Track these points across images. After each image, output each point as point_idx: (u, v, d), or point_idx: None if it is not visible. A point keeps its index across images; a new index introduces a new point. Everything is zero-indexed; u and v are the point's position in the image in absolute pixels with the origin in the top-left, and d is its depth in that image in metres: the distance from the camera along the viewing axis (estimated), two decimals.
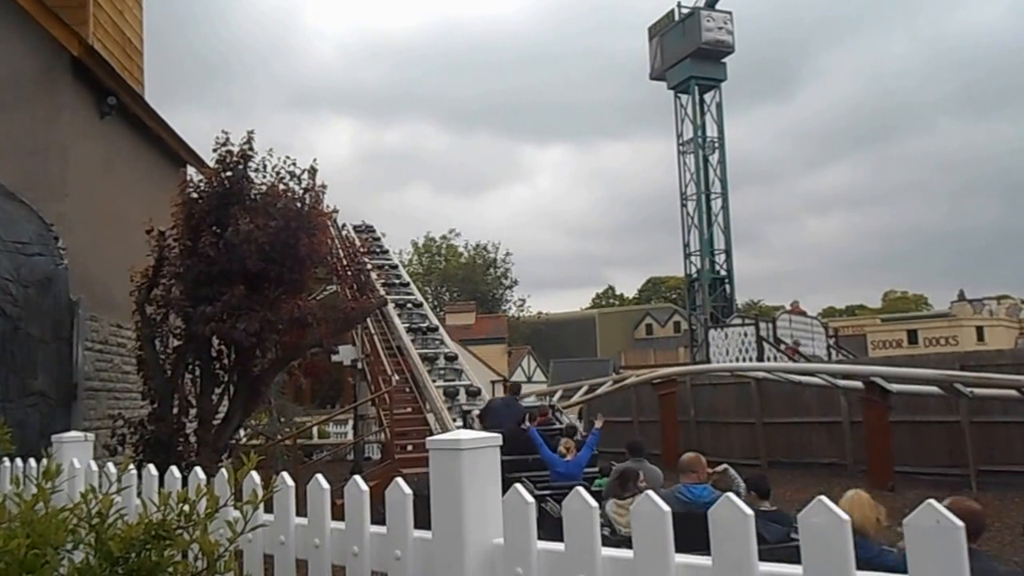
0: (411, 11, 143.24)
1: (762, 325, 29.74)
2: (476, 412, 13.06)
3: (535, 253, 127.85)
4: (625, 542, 4.62)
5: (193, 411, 9.10)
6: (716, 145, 41.00)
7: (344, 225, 23.16)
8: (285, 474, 2.51)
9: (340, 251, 15.29)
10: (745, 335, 29.77)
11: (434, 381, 16.16)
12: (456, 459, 1.94)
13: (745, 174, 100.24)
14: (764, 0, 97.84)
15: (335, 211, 10.65)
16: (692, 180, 40.92)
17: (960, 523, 1.30)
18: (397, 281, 21.59)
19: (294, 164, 9.56)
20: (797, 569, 1.45)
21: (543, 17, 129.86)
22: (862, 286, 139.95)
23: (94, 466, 3.28)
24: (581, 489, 1.82)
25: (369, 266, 14.65)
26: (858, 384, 15.45)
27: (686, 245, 41.11)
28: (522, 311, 65.04)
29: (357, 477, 2.38)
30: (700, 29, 39.84)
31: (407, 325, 18.62)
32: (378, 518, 2.22)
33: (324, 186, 9.65)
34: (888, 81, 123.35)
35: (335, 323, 10.19)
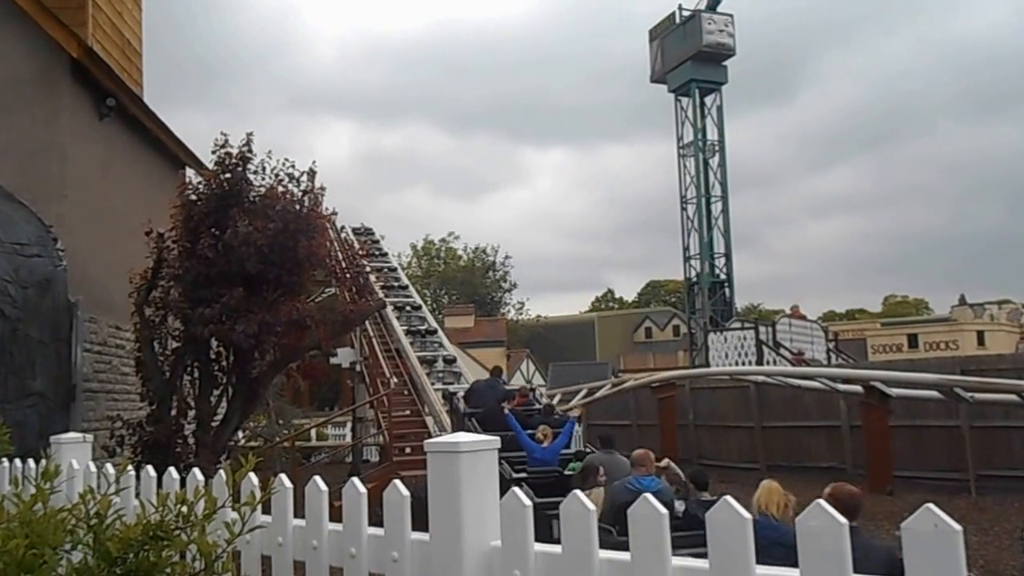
0: (411, 13, 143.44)
1: (762, 329, 29.76)
2: (461, 393, 13.58)
3: (534, 256, 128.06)
4: None
5: (192, 413, 9.10)
6: (716, 148, 41.01)
7: (343, 227, 23.17)
8: (283, 476, 2.51)
9: (339, 253, 15.29)
10: (744, 339, 29.77)
11: (432, 384, 16.15)
12: (454, 462, 1.94)
13: (745, 177, 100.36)
14: (765, 3, 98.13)
15: (334, 213, 10.66)
16: (692, 183, 40.93)
17: (958, 527, 1.31)
18: (396, 284, 21.60)
19: (293, 166, 9.58)
20: (793, 572, 1.45)
21: (543, 20, 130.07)
22: (862, 290, 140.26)
23: (92, 467, 3.28)
24: (579, 492, 1.82)
25: (368, 269, 14.66)
26: (858, 388, 15.45)
27: (686, 248, 41.11)
28: (521, 314, 65.14)
29: (355, 479, 2.38)
30: (701, 32, 39.85)
31: (406, 328, 18.63)
32: (376, 520, 2.22)
33: (323, 188, 9.66)
34: (890, 84, 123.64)
35: (334, 325, 10.19)
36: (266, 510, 2.47)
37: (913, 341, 40.71)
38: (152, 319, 9.06)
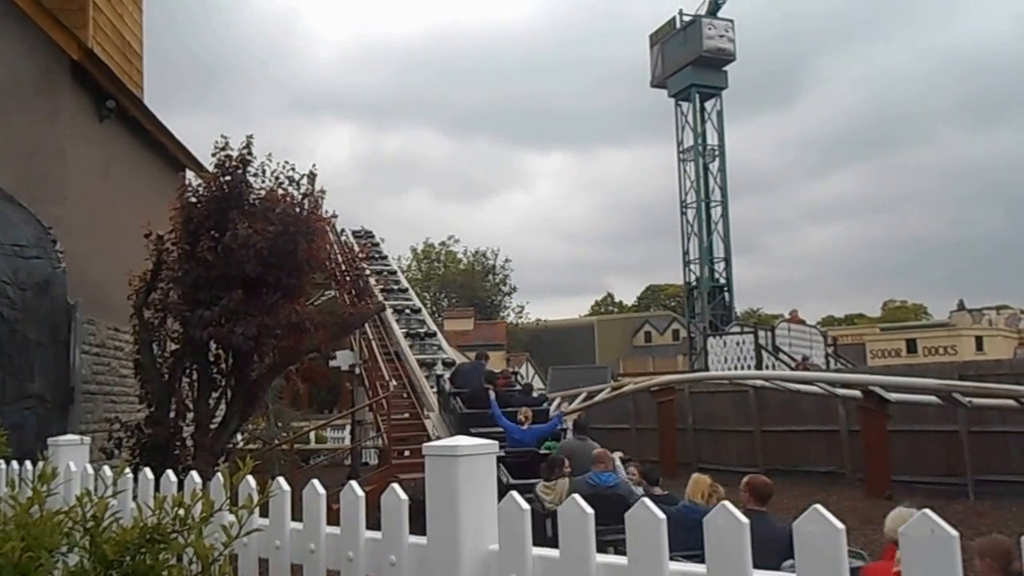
0: (412, 17, 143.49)
1: (761, 333, 29.75)
2: (447, 375, 14.27)
3: (534, 260, 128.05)
4: (551, 515, 5.40)
5: (190, 415, 9.09)
6: (716, 153, 41.05)
7: (343, 230, 23.15)
8: (281, 479, 2.51)
9: (339, 256, 15.28)
10: (744, 343, 29.77)
11: (432, 387, 16.12)
12: (452, 465, 1.94)
13: (745, 182, 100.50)
14: (766, 9, 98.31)
15: (334, 216, 10.65)
16: (692, 188, 40.95)
17: (955, 533, 1.31)
18: (396, 287, 21.57)
19: (293, 169, 9.58)
20: None
21: (544, 24, 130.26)
22: (861, 295, 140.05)
23: (90, 469, 3.27)
24: (577, 496, 1.82)
25: (368, 272, 14.65)
26: (856, 393, 15.45)
27: (685, 253, 41.13)
28: (521, 318, 65.05)
29: (353, 482, 2.38)
30: (701, 37, 39.92)
31: (405, 331, 18.59)
32: (375, 523, 2.22)
33: (323, 191, 9.66)
34: (889, 91, 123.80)
35: (333, 328, 10.19)
36: (264, 513, 2.47)
37: (912, 346, 40.74)
38: (151, 321, 9.05)
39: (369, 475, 15.31)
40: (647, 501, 1.70)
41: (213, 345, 9.03)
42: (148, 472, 2.91)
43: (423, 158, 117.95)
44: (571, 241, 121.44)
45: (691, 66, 40.37)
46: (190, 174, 13.12)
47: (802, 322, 31.75)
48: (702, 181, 40.46)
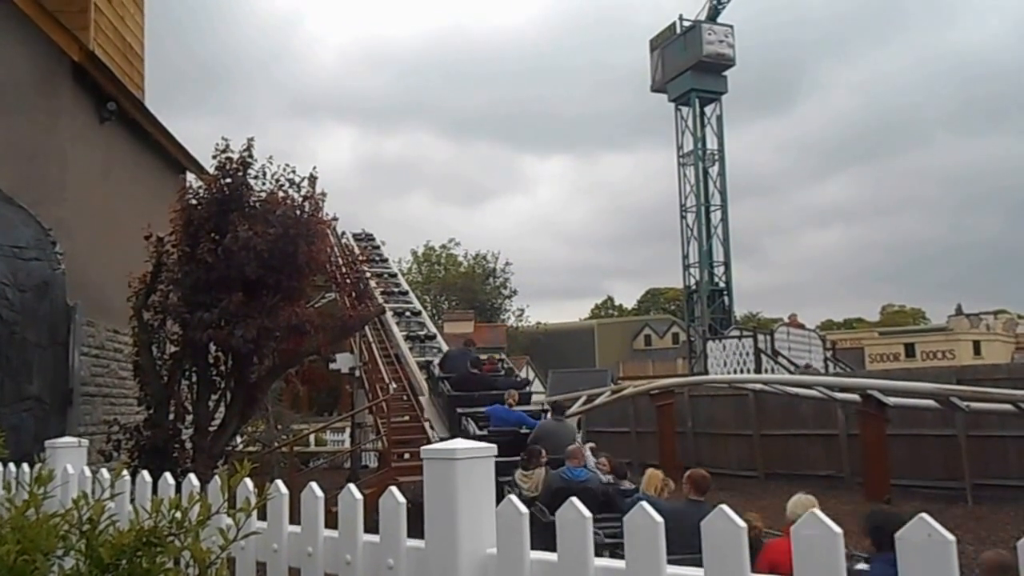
0: (413, 20, 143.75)
1: (760, 337, 29.76)
2: (436, 361, 14.86)
3: (535, 263, 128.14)
4: (527, 502, 5.98)
5: (189, 417, 9.08)
6: (716, 157, 41.11)
7: (343, 233, 23.17)
8: (279, 482, 2.51)
9: (339, 259, 15.29)
10: (743, 347, 29.77)
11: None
12: (450, 468, 1.94)
13: (745, 186, 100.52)
14: (765, 14, 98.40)
15: (335, 219, 10.65)
16: (692, 192, 41.01)
17: (951, 537, 1.31)
18: (396, 289, 21.58)
19: (294, 172, 9.57)
20: None
21: (545, 29, 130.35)
22: (860, 299, 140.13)
23: (87, 472, 3.26)
24: (575, 500, 1.82)
25: (368, 274, 14.65)
26: (855, 397, 15.45)
27: (685, 257, 41.18)
28: (521, 321, 65.03)
29: (351, 485, 2.37)
30: (701, 42, 40.01)
31: (405, 333, 18.60)
32: (375, 526, 2.21)
33: (324, 194, 9.65)
34: (888, 96, 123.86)
35: (333, 331, 10.18)
36: (262, 516, 2.47)
37: (910, 350, 40.75)
38: (151, 323, 9.04)
39: (369, 478, 15.30)
40: (645, 505, 1.70)
41: (213, 347, 9.02)
42: (146, 475, 2.91)
43: (424, 161, 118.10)
44: (571, 244, 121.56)
45: (691, 71, 40.46)
46: (191, 176, 13.13)
47: (801, 326, 31.76)
48: (702, 185, 40.52)
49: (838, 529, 1.40)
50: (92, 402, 9.80)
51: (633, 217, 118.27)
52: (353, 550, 2.25)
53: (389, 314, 18.54)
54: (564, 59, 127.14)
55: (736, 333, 32.56)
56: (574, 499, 1.85)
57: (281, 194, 9.29)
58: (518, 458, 9.38)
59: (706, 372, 30.21)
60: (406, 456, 14.38)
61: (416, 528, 2.10)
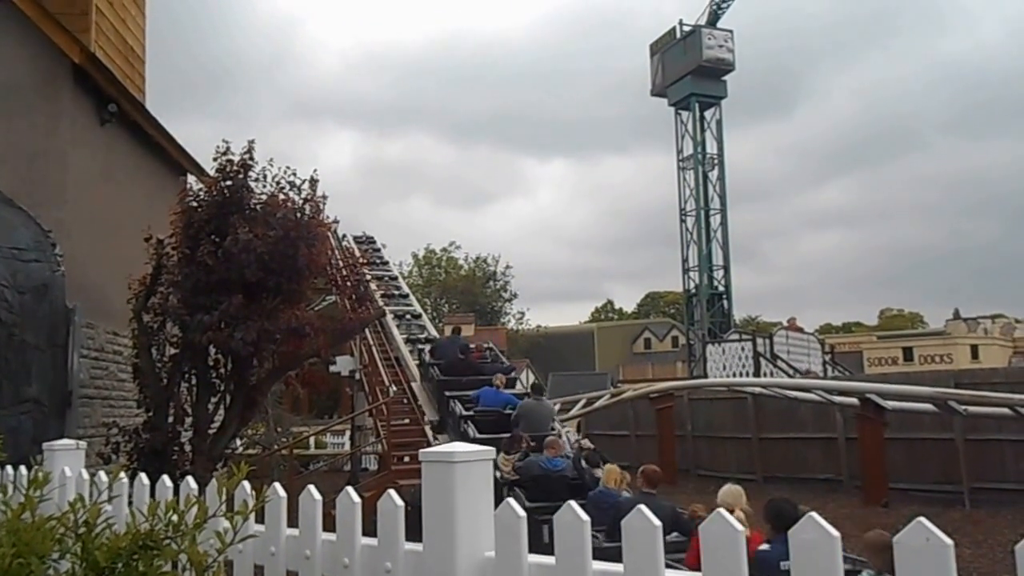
0: (415, 24, 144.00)
1: (759, 341, 29.76)
2: (428, 348, 15.81)
3: (535, 266, 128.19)
4: (506, 484, 8.89)
5: (189, 420, 9.06)
6: (716, 161, 41.14)
7: (344, 236, 23.17)
8: (277, 484, 2.50)
9: (339, 262, 15.28)
10: (742, 351, 29.76)
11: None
12: (448, 472, 1.93)
13: (744, 191, 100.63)
14: (765, 20, 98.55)
15: (335, 222, 10.64)
16: (692, 196, 41.05)
17: (949, 541, 1.30)
18: (396, 292, 21.57)
19: (294, 174, 9.55)
20: None
21: (546, 33, 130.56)
22: (859, 303, 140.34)
23: (85, 474, 3.26)
24: (573, 503, 1.82)
25: (368, 277, 14.65)
26: (854, 401, 15.44)
27: (685, 260, 41.20)
28: (521, 324, 65.00)
29: (349, 488, 2.37)
30: (701, 47, 40.08)
31: (406, 336, 18.58)
32: (374, 529, 2.21)
33: (325, 197, 9.63)
34: (887, 102, 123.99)
35: (333, 333, 10.16)
36: (261, 519, 2.46)
37: (908, 354, 40.76)
38: (150, 325, 9.03)
39: (368, 480, 15.29)
40: (643, 508, 1.70)
41: (212, 350, 9.00)
42: (143, 477, 2.90)
43: (425, 164, 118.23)
44: (572, 248, 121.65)
45: (691, 75, 40.53)
46: (191, 178, 13.13)
47: (800, 330, 31.77)
48: (701, 189, 40.56)
49: (836, 532, 1.40)
50: (91, 404, 9.79)
51: (633, 221, 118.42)
52: (351, 553, 2.25)
53: (389, 317, 18.52)
54: (565, 63, 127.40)
55: (735, 337, 32.55)
56: (572, 503, 1.85)
57: (282, 197, 9.28)
58: (503, 435, 10.17)
59: (705, 375, 30.20)
60: (406, 459, 14.35)
61: (417, 531, 2.10)
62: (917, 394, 14.65)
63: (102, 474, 2.81)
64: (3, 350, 8.02)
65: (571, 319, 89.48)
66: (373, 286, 16.76)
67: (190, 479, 2.65)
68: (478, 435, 11.07)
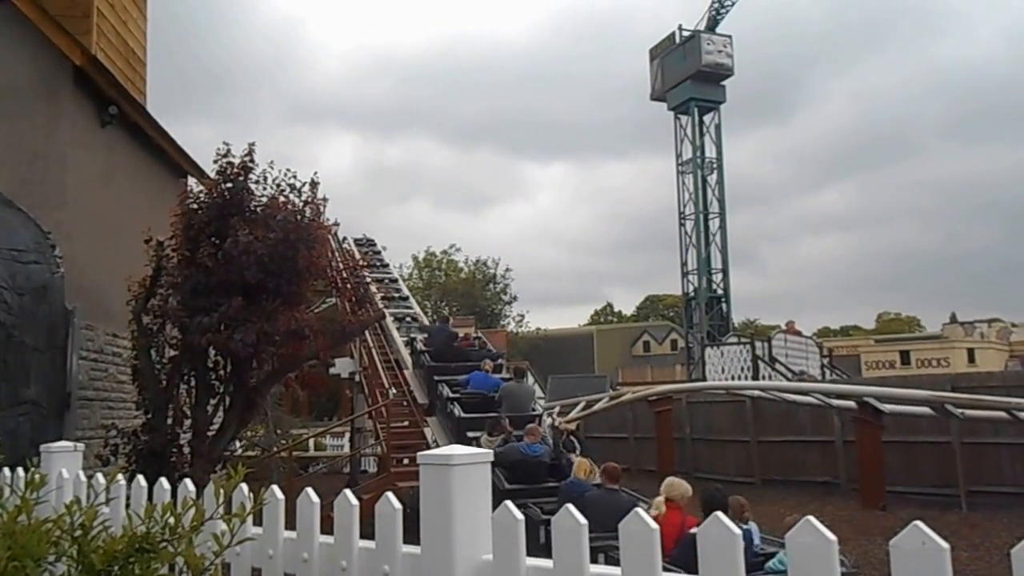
0: (416, 28, 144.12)
1: (758, 344, 29.73)
2: (420, 337, 16.52)
3: (535, 269, 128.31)
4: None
5: (188, 422, 9.05)
6: (715, 166, 41.17)
7: (344, 238, 23.16)
8: (275, 487, 2.50)
9: (340, 264, 15.28)
10: (741, 354, 29.74)
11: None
12: (446, 475, 1.93)
13: (743, 195, 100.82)
14: (764, 26, 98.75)
15: (336, 224, 10.65)
16: (691, 200, 41.07)
17: (945, 545, 1.31)
18: (396, 295, 21.58)
19: (295, 177, 9.55)
20: None
21: (547, 37, 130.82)
22: (857, 307, 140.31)
23: (82, 477, 3.25)
24: (571, 506, 1.82)
25: (368, 279, 14.67)
26: (851, 404, 15.44)
27: (684, 264, 41.20)
28: (521, 326, 64.93)
29: (347, 491, 2.37)
30: (700, 52, 40.13)
31: (405, 338, 18.58)
32: (372, 532, 2.21)
33: (325, 199, 9.63)
34: (886, 107, 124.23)
35: (333, 336, 10.16)
36: (258, 522, 2.46)
37: (905, 358, 40.75)
38: (150, 327, 9.02)
39: (367, 483, 15.29)
40: (640, 511, 1.70)
41: (212, 352, 8.99)
42: (141, 479, 2.90)
43: (425, 167, 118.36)
44: (571, 251, 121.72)
45: (690, 80, 40.58)
46: (192, 180, 13.13)
47: (798, 333, 31.69)
48: (700, 193, 40.59)
49: (832, 536, 1.40)
50: (90, 406, 9.78)
51: (633, 224, 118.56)
52: (349, 556, 2.25)
53: (389, 319, 18.52)
54: (565, 67, 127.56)
55: (734, 340, 32.51)
56: (570, 506, 1.85)
57: (282, 199, 9.27)
58: (486, 415, 11.16)
59: (704, 378, 30.16)
60: (405, 461, 14.35)
61: (416, 534, 2.10)
62: (914, 398, 14.64)
63: (100, 476, 2.80)
64: (2, 351, 8.01)
65: (571, 322, 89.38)
66: (373, 288, 16.80)
67: (188, 481, 2.64)
68: (463, 414, 12.12)
